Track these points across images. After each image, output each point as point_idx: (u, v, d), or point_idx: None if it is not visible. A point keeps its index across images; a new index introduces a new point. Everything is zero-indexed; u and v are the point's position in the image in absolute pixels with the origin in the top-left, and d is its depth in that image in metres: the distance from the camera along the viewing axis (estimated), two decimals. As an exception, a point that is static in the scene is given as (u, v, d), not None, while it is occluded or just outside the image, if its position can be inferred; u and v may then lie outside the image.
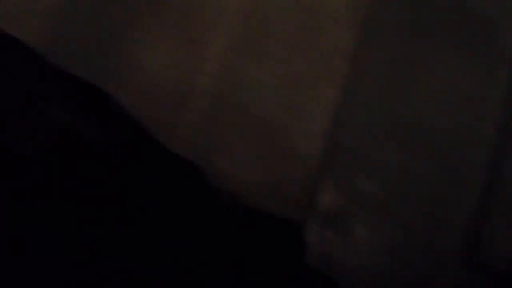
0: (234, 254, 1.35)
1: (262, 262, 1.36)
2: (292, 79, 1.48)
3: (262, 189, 1.44)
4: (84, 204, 1.29)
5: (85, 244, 1.24)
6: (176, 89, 1.50)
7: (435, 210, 1.37)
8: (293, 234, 1.41)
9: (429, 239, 1.36)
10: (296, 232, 1.41)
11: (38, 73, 1.45)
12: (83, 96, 1.45)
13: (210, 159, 1.46)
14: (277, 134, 1.46)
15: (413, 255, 1.36)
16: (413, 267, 1.35)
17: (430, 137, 1.39)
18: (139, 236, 1.30)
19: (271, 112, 1.47)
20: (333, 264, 1.38)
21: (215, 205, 1.40)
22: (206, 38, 1.52)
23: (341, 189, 1.40)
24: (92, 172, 1.34)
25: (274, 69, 1.48)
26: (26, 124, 1.37)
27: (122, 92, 1.48)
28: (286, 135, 1.46)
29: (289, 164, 1.44)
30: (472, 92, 1.41)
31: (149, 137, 1.43)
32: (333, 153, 1.42)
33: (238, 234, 1.38)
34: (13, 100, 1.41)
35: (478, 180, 1.36)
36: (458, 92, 1.41)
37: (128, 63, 1.51)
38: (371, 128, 1.41)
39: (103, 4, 1.54)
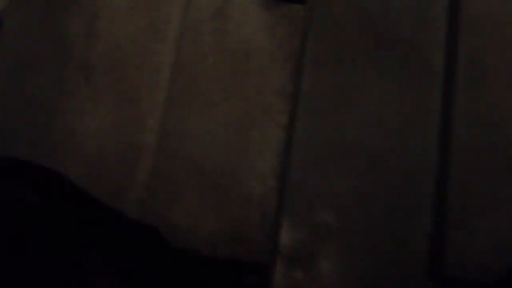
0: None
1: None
2: (234, 123, 1.51)
3: (222, 239, 1.43)
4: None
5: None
6: (122, 152, 1.49)
7: (396, 230, 1.39)
8: (260, 280, 1.40)
9: (394, 260, 1.37)
10: (263, 277, 1.40)
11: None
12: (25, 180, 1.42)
13: (166, 217, 1.44)
14: (229, 181, 1.47)
15: (381, 280, 1.36)
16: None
17: (376, 160, 1.43)
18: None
19: (219, 159, 1.48)
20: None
21: (179, 263, 1.38)
22: (143, 96, 1.53)
23: (299, 225, 1.41)
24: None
25: (216, 116, 1.51)
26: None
27: (64, 166, 1.46)
28: (237, 180, 1.47)
29: (245, 208, 1.44)
30: (413, 114, 1.45)
31: (100, 208, 1.41)
32: (285, 190, 1.42)
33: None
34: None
35: (428, 195, 1.39)
36: (401, 115, 1.45)
37: (65, 134, 1.50)
38: (318, 159, 1.44)
39: (26, 75, 1.53)
